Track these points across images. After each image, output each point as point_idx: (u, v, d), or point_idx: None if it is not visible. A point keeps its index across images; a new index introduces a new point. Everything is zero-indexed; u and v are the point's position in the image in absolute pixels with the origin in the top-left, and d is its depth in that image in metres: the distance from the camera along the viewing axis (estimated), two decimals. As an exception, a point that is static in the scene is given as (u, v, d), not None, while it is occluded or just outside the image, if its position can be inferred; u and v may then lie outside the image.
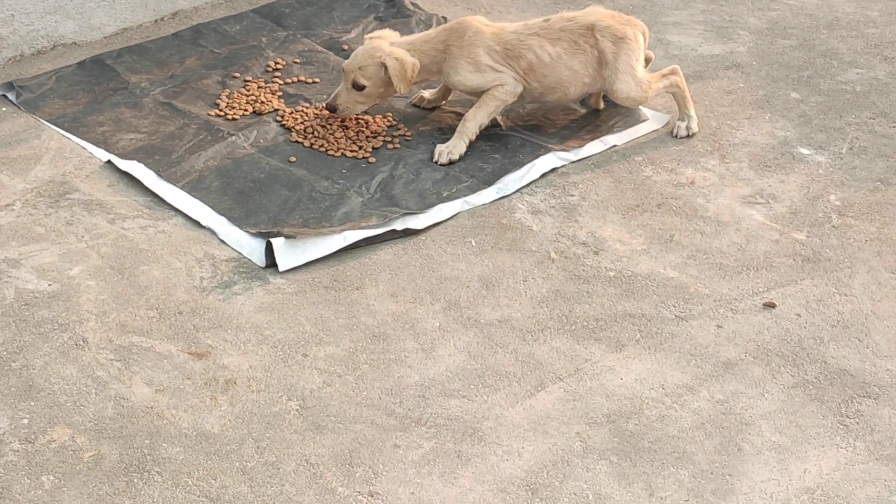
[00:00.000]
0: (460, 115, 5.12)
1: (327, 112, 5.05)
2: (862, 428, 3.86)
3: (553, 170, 4.92)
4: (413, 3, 6.01)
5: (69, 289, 4.22)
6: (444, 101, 5.25)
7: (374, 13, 5.96)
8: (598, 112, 5.24)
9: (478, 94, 4.97)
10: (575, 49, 4.96)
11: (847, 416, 3.89)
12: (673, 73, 5.13)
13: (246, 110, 5.18)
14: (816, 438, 3.82)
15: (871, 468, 3.73)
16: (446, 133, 5.07)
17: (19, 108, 5.14)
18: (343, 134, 5.02)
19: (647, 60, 5.18)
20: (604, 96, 5.23)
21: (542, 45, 4.94)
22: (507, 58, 4.91)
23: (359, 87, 4.92)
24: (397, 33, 5.10)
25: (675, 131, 5.16)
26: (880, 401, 3.95)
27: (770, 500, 3.61)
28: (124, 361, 3.95)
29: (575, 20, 4.99)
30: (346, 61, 4.99)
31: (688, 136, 5.15)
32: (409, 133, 5.09)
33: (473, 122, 4.92)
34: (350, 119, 5.08)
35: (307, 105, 5.20)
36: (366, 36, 5.11)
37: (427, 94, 5.26)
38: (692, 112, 5.16)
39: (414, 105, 5.26)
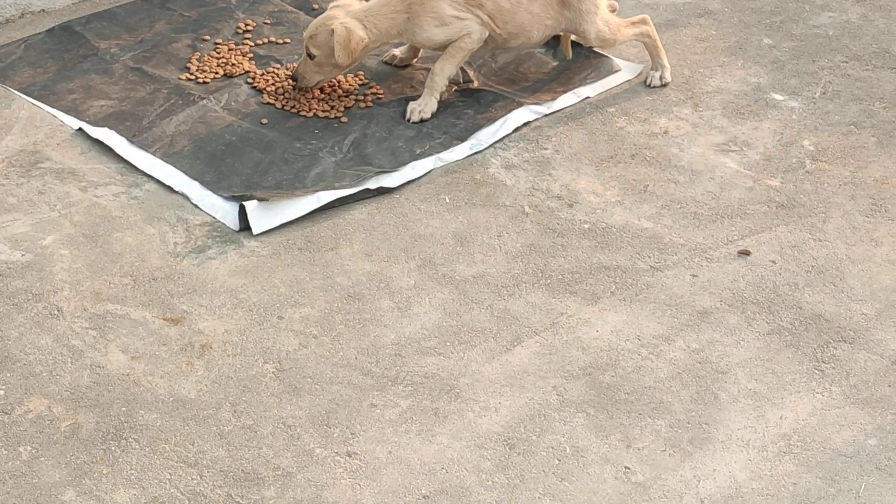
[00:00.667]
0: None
1: (292, 83, 5.01)
2: (838, 372, 3.87)
3: (526, 124, 4.90)
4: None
5: (42, 258, 4.21)
6: (415, 59, 5.22)
7: (344, -29, 5.92)
8: (571, 64, 5.22)
9: (444, 48, 4.93)
10: None
11: (823, 362, 3.90)
12: (643, 21, 5.11)
13: (217, 73, 5.15)
14: (792, 384, 3.83)
15: (847, 412, 3.74)
16: (418, 90, 5.05)
17: (-11, 77, 5.12)
18: (314, 94, 5.00)
19: (612, 10, 5.16)
20: (573, 43, 5.20)
21: None
22: (469, 5, 4.86)
23: (311, 56, 4.88)
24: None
25: (648, 81, 5.15)
26: (855, 345, 3.96)
27: (747, 448, 3.62)
28: (99, 329, 3.95)
29: None
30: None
31: (662, 86, 5.14)
32: (381, 91, 5.07)
33: (441, 75, 4.89)
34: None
35: (278, 66, 5.18)
36: (331, 4, 5.05)
37: (398, 51, 5.23)
38: (665, 61, 5.15)
39: (385, 63, 5.23)
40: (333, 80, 5.05)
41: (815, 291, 4.15)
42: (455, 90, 5.03)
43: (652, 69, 5.16)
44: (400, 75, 5.16)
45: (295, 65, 5.07)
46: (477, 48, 4.92)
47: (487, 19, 4.87)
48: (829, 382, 3.84)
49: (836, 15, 5.63)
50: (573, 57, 5.24)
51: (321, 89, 5.01)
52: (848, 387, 3.82)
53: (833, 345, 3.96)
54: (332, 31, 4.79)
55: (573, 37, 5.17)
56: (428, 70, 5.11)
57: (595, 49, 5.29)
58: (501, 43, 4.98)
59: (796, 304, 4.10)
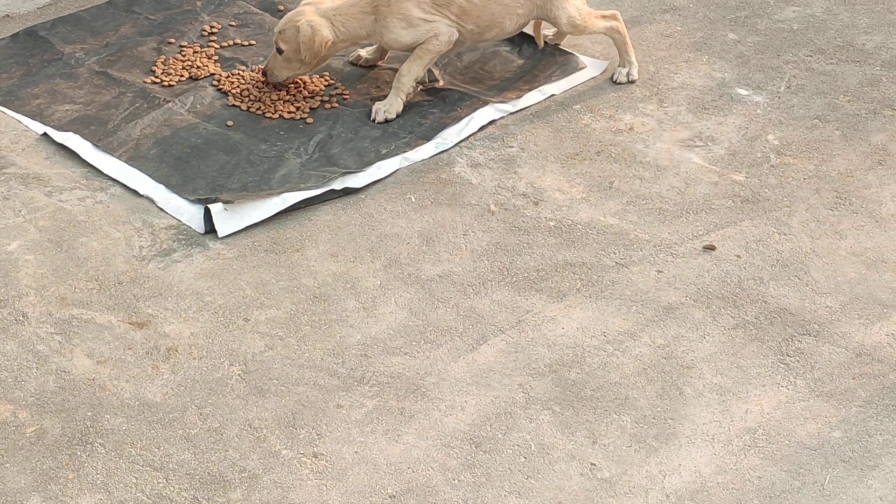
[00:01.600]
0: (397, 71, 5.11)
1: (263, 77, 5.02)
2: (802, 366, 3.88)
3: (492, 122, 4.91)
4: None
5: (7, 264, 4.20)
6: (381, 60, 5.22)
7: (310, -28, 5.92)
8: (536, 62, 5.22)
9: (412, 49, 4.93)
10: None
11: (787, 355, 3.92)
12: (613, 17, 5.12)
13: (182, 76, 5.15)
14: (757, 378, 3.84)
15: (811, 405, 3.76)
16: (384, 90, 5.05)
17: (-47, 84, 5.11)
18: (279, 95, 4.99)
19: None
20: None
21: None
22: (437, 6, 4.86)
23: (279, 51, 4.89)
24: None
25: (615, 77, 5.16)
26: (820, 338, 3.97)
27: (712, 442, 3.64)
28: (65, 334, 3.94)
29: None
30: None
31: (628, 83, 5.15)
32: (346, 92, 5.07)
33: (408, 76, 4.90)
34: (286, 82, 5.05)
35: (244, 68, 5.17)
36: (303, 0, 5.05)
37: (364, 52, 5.23)
38: (633, 58, 5.16)
39: (351, 63, 5.23)
40: (299, 81, 5.05)
41: (780, 285, 4.17)
42: (420, 89, 5.04)
43: (619, 65, 5.17)
44: (366, 76, 5.16)
45: (262, 65, 5.07)
46: (445, 50, 4.92)
47: (457, 18, 4.87)
48: (794, 376, 3.85)
49: (800, 9, 5.65)
50: (538, 55, 5.25)
51: (287, 90, 5.01)
52: (812, 380, 3.84)
53: (798, 338, 3.98)
54: (297, 28, 4.79)
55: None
56: (394, 70, 5.12)
57: (559, 46, 5.30)
58: (477, 37, 4.97)
59: (761, 298, 4.11)
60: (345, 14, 4.87)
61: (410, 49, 4.94)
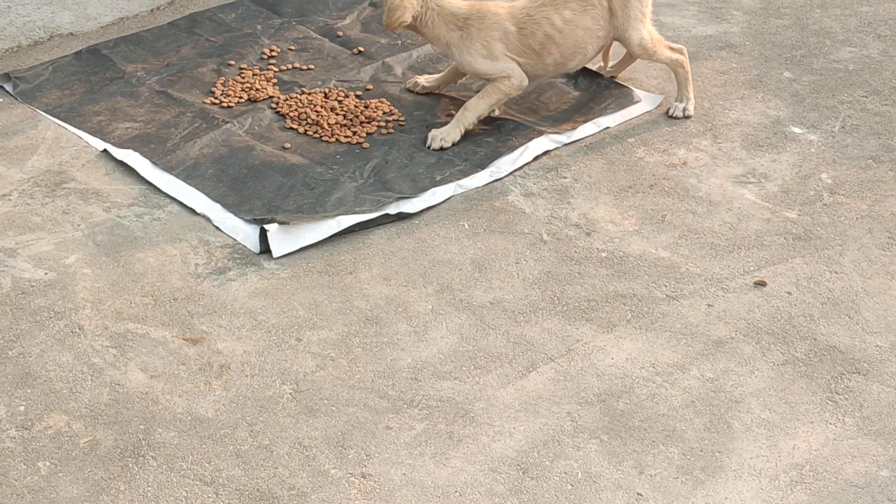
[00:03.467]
0: (455, 101, 5.16)
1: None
2: (851, 404, 3.89)
3: (546, 152, 4.95)
4: (408, -11, 6.03)
5: (65, 277, 4.26)
6: (438, 90, 5.26)
7: (369, -1, 6.00)
8: (592, 95, 5.26)
9: (482, 78, 4.97)
10: (584, 6, 4.96)
11: (836, 393, 3.92)
12: (681, 52, 5.16)
13: (241, 98, 5.21)
14: (805, 415, 3.85)
15: (859, 443, 3.76)
16: (440, 118, 5.10)
17: (16, 98, 5.18)
18: (337, 120, 5.05)
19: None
20: (593, 73, 5.25)
21: (553, 14, 4.94)
22: (523, 36, 4.91)
23: None
24: None
25: (671, 111, 5.18)
26: (869, 377, 3.98)
27: (759, 477, 3.64)
28: (120, 348, 4.00)
29: None
30: None
31: (684, 118, 5.17)
32: (403, 118, 5.12)
33: (473, 112, 4.94)
34: (343, 106, 5.10)
35: (302, 91, 5.23)
36: None
37: (423, 79, 5.28)
38: (691, 94, 5.19)
39: (408, 89, 5.29)
40: (356, 106, 5.10)
41: (830, 323, 4.17)
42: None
43: (676, 100, 5.20)
44: (423, 103, 5.21)
45: (350, 100, 5.13)
46: (514, 94, 4.97)
47: (541, 46, 4.90)
48: (843, 413, 3.85)
49: (856, 50, 5.67)
50: (594, 87, 5.29)
51: (341, 112, 5.06)
52: (861, 418, 3.84)
53: (847, 376, 3.98)
54: None
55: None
56: (453, 99, 5.17)
57: (616, 79, 5.33)
58: (559, 67, 5.02)
59: (811, 336, 4.12)
60: (441, 14, 4.92)
61: (480, 78, 4.98)
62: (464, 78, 5.25)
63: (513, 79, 4.94)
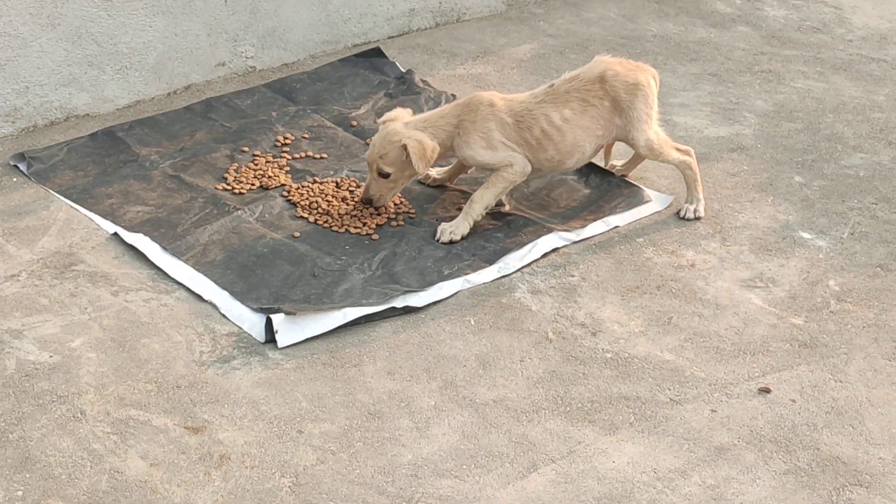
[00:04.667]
0: (465, 194, 5.18)
1: (367, 205, 5.08)
2: (852, 516, 3.87)
3: (555, 250, 4.96)
4: (423, 81, 6.08)
5: (70, 360, 4.27)
6: (450, 182, 5.29)
7: (384, 90, 6.03)
8: (602, 193, 5.28)
9: (487, 169, 5.01)
10: (584, 106, 5.00)
11: (838, 504, 3.91)
12: (688, 153, 5.19)
13: (253, 185, 5.24)
14: (806, 526, 3.83)
15: (859, 557, 3.74)
16: (450, 211, 5.12)
17: (30, 178, 5.21)
18: (347, 210, 5.07)
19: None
20: (605, 171, 5.28)
21: (552, 112, 4.98)
22: (520, 129, 4.95)
23: (384, 175, 4.97)
24: (409, 111, 5.15)
25: (682, 213, 5.20)
26: (872, 489, 3.95)
27: (757, 588, 3.62)
28: (121, 435, 3.99)
29: (579, 77, 5.03)
30: (367, 153, 5.02)
31: (695, 219, 5.18)
32: (413, 211, 5.14)
33: (480, 203, 4.97)
34: (354, 196, 5.13)
35: (314, 180, 5.26)
36: (378, 121, 5.14)
37: (434, 172, 5.31)
38: (701, 195, 5.20)
39: (420, 182, 5.31)
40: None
41: (834, 433, 4.16)
42: (487, 213, 5.09)
43: (686, 201, 5.21)
44: (433, 196, 5.23)
45: (362, 189, 5.15)
46: (519, 181, 4.99)
47: (537, 143, 4.94)
48: (844, 526, 3.84)
49: (867, 156, 5.69)
50: (605, 185, 5.31)
51: (354, 205, 5.09)
52: (862, 531, 3.82)
53: (849, 488, 3.96)
54: (405, 146, 4.88)
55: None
56: (463, 192, 5.20)
57: (626, 178, 5.36)
58: (556, 165, 5.05)
59: (814, 445, 4.11)
60: (434, 125, 4.98)
61: (485, 168, 5.01)
62: (472, 169, 5.28)
63: (515, 166, 4.96)
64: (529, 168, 5.00)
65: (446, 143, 5.02)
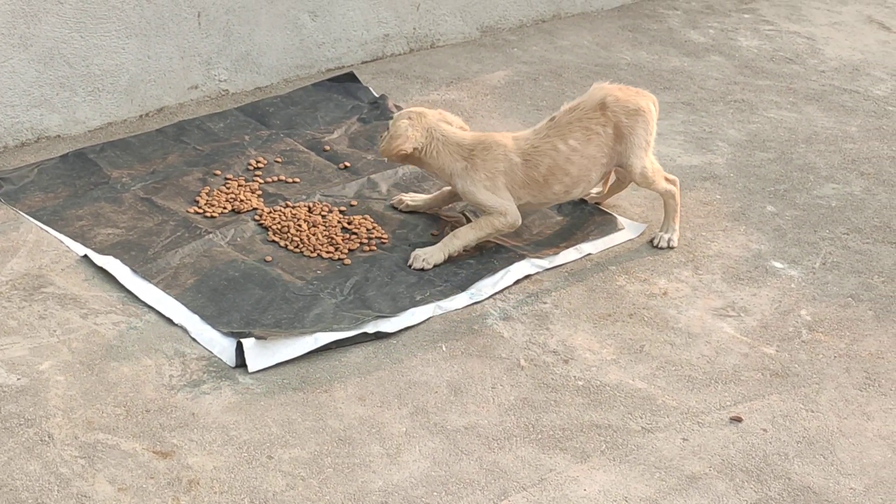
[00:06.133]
0: (440, 221, 5.17)
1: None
2: (823, 547, 3.86)
3: (527, 277, 4.95)
4: (397, 106, 6.08)
5: (38, 383, 4.23)
6: (423, 209, 5.26)
7: (358, 114, 6.03)
8: (575, 220, 5.27)
9: (480, 209, 4.98)
10: (588, 135, 4.99)
11: (809, 535, 3.90)
12: (674, 183, 5.19)
13: (225, 208, 5.22)
14: (777, 556, 3.82)
15: (830, 588, 3.73)
16: (423, 238, 5.11)
17: (0, 199, 5.18)
18: (319, 234, 5.05)
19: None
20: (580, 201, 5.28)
21: (559, 143, 4.97)
22: (527, 168, 4.93)
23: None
24: (460, 119, 5.15)
25: (656, 241, 5.19)
26: (842, 519, 3.95)
27: None
28: (88, 459, 3.95)
29: (579, 107, 5.02)
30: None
31: (668, 248, 5.18)
32: (385, 236, 5.12)
33: (462, 240, 4.95)
34: (326, 221, 5.11)
35: (286, 204, 5.24)
36: (439, 108, 5.20)
37: (408, 198, 5.29)
38: (677, 225, 5.20)
39: (392, 207, 5.30)
40: (339, 222, 5.11)
41: (805, 463, 4.15)
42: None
43: (661, 230, 5.21)
44: (406, 221, 5.22)
45: (333, 215, 5.18)
46: (505, 231, 4.97)
47: (544, 177, 4.93)
48: (815, 556, 3.83)
49: (839, 187, 5.71)
50: (577, 213, 5.30)
51: (323, 226, 5.07)
52: (833, 562, 3.81)
53: (820, 518, 3.96)
54: (397, 123, 4.91)
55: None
56: (437, 218, 5.18)
57: (600, 206, 5.36)
58: (563, 196, 5.04)
59: (785, 475, 4.10)
60: (446, 143, 4.96)
61: (477, 208, 4.98)
62: (449, 205, 5.26)
63: (508, 216, 4.95)
64: (520, 222, 4.98)
65: (444, 167, 4.97)
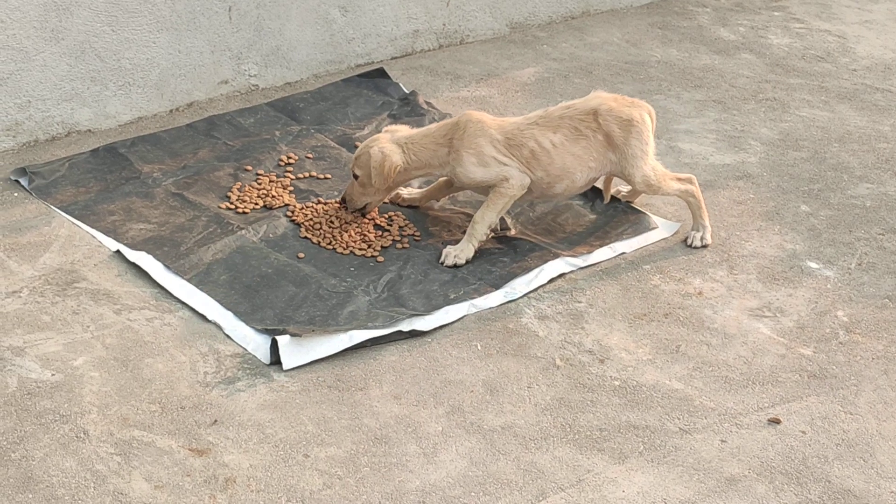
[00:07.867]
0: (469, 216, 5.14)
1: (342, 205, 5.07)
2: (865, 551, 3.83)
3: (561, 275, 4.92)
4: (427, 102, 6.05)
5: (72, 379, 4.21)
6: (422, 203, 5.23)
7: (388, 110, 5.99)
8: (609, 219, 5.24)
9: (484, 188, 4.96)
10: (576, 135, 4.96)
11: (850, 538, 3.86)
12: (689, 181, 5.14)
13: (256, 204, 5.19)
14: (818, 560, 3.78)
15: (873, 593, 3.69)
16: (455, 234, 5.08)
17: (31, 193, 5.16)
18: (350, 233, 5.02)
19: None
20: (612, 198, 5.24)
21: (543, 133, 4.94)
22: (510, 147, 4.91)
23: (356, 177, 4.96)
24: (407, 127, 5.13)
25: (689, 241, 5.15)
26: (884, 523, 3.92)
27: None
28: (124, 456, 3.93)
29: (574, 107, 5.00)
30: None
31: (702, 247, 5.14)
32: (418, 233, 5.09)
33: (482, 223, 4.92)
34: (358, 218, 5.08)
35: (318, 200, 5.21)
36: (384, 128, 5.14)
37: (405, 192, 5.25)
38: (706, 222, 5.17)
39: (392, 202, 5.25)
40: (370, 220, 5.08)
41: (845, 465, 4.11)
42: (492, 237, 5.05)
43: (693, 229, 5.17)
44: (438, 218, 5.19)
45: (338, 197, 5.15)
46: (519, 195, 4.94)
47: (527, 163, 4.91)
48: (856, 560, 3.79)
49: (873, 186, 5.66)
50: (611, 211, 5.27)
51: (359, 227, 5.04)
52: (874, 566, 3.78)
53: (861, 522, 3.92)
54: (370, 154, 4.87)
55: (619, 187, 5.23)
56: (468, 215, 5.15)
57: (633, 204, 5.32)
58: (546, 188, 5.00)
59: (825, 478, 4.06)
60: (418, 143, 4.94)
61: (480, 187, 4.97)
62: (448, 196, 5.23)
63: (512, 180, 4.91)
64: (528, 180, 4.94)
65: (431, 161, 4.97)
